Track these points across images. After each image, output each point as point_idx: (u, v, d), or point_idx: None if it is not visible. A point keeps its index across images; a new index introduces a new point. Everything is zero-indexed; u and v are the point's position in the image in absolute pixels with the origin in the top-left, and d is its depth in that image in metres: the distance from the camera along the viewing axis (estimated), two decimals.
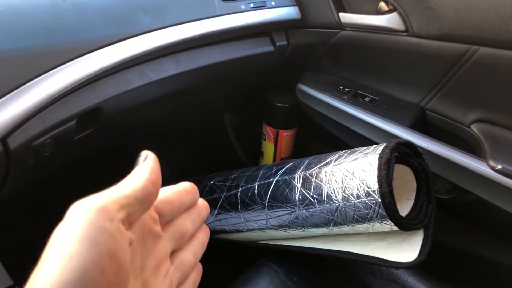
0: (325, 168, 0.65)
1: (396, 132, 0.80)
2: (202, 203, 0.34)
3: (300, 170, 0.68)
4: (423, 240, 0.60)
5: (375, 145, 0.63)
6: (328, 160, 0.66)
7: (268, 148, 1.06)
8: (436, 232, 0.87)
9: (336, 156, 0.66)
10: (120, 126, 0.77)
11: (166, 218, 0.30)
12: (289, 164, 0.72)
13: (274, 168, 0.74)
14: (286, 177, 0.70)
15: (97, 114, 0.65)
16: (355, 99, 0.88)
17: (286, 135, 1.03)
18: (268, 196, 0.70)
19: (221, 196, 0.79)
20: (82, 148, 0.71)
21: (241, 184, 0.77)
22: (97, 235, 0.22)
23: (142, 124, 0.86)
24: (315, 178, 0.65)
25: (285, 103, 1.00)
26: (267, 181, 0.72)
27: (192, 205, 0.33)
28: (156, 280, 0.28)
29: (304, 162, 0.70)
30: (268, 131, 1.03)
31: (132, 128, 0.81)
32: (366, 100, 0.88)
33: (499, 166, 0.70)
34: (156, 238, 0.28)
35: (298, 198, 0.66)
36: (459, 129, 0.82)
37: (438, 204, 0.85)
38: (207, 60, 0.78)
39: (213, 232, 0.82)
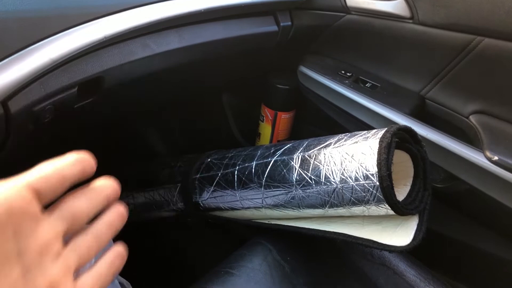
0: (324, 150, 0.65)
1: (395, 119, 0.81)
2: (105, 182, 0.31)
3: (299, 151, 0.68)
4: (418, 225, 0.61)
5: (375, 129, 0.63)
6: (327, 142, 0.66)
7: (266, 129, 1.06)
8: (429, 220, 0.89)
9: (336, 139, 0.66)
10: (120, 98, 0.76)
11: (47, 197, 0.27)
12: (288, 145, 0.72)
13: (273, 148, 0.74)
14: (284, 157, 0.70)
15: (99, 83, 0.64)
16: (356, 84, 0.88)
17: (284, 117, 1.03)
18: (265, 176, 0.71)
19: (218, 174, 0.79)
20: (81, 118, 0.71)
21: (239, 162, 0.77)
22: None
23: (142, 98, 0.85)
24: (314, 160, 0.65)
25: (285, 85, 0.99)
26: (265, 160, 0.72)
27: (83, 177, 0.29)
28: (42, 264, 0.26)
29: (303, 144, 0.70)
30: (267, 112, 1.03)
31: (131, 102, 0.80)
32: (367, 86, 0.88)
33: (496, 157, 0.70)
34: (36, 219, 0.26)
35: (296, 179, 0.66)
36: (458, 119, 0.82)
37: (432, 193, 0.86)
38: (210, 36, 0.77)
39: (208, 209, 0.83)
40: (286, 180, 0.67)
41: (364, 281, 0.73)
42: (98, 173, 0.31)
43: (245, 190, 0.74)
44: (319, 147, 0.66)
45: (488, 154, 0.71)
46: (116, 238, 0.34)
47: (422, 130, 0.78)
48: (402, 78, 0.88)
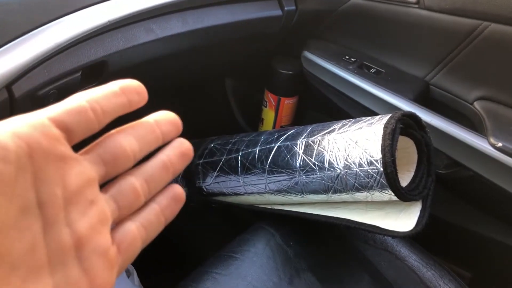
0: (328, 135, 0.65)
1: (399, 104, 0.80)
2: (162, 114, 0.26)
3: (303, 137, 0.68)
4: (421, 211, 0.61)
5: (379, 115, 0.63)
6: (331, 128, 0.66)
7: (269, 115, 1.06)
8: (432, 206, 0.89)
9: (340, 125, 0.66)
10: None
11: (79, 134, 0.22)
12: (292, 131, 0.72)
13: (276, 134, 0.74)
14: (288, 143, 0.70)
15: (102, 67, 0.64)
16: (361, 70, 0.88)
17: (287, 103, 1.02)
18: (269, 161, 0.71)
19: (221, 159, 0.79)
20: None
21: (242, 148, 0.77)
22: None
23: (146, 83, 0.85)
24: (318, 145, 0.65)
25: (289, 70, 0.99)
26: (268, 146, 0.72)
27: (129, 110, 0.24)
28: (68, 216, 0.21)
29: (307, 129, 0.70)
30: (270, 98, 1.03)
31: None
32: (371, 72, 0.87)
33: (500, 144, 0.70)
34: (64, 162, 0.21)
35: (299, 164, 0.66)
36: (462, 105, 0.82)
37: (436, 179, 0.86)
38: (213, 21, 0.77)
39: (211, 194, 0.83)
40: (290, 165, 0.68)
41: (366, 265, 0.74)
42: None
43: (248, 176, 0.74)
44: (323, 133, 0.66)
45: (492, 140, 0.71)
46: None
47: (426, 116, 0.78)
48: (406, 64, 0.87)
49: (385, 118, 0.60)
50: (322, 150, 0.64)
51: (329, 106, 0.95)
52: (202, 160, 0.83)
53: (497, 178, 0.72)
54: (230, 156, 0.78)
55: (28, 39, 0.53)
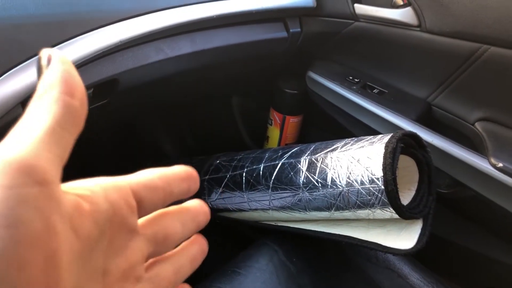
0: (331, 154, 0.66)
1: (401, 124, 0.82)
2: (200, 206, 0.28)
3: (306, 155, 0.70)
4: (422, 229, 0.62)
5: (381, 135, 0.64)
6: (334, 146, 0.68)
7: (274, 133, 1.07)
8: (433, 225, 0.90)
9: (342, 143, 0.67)
10: (133, 100, 0.79)
11: (146, 210, 0.23)
12: (296, 148, 0.74)
13: (280, 151, 0.76)
14: (292, 160, 0.71)
15: (113, 85, 0.66)
16: (364, 90, 0.90)
17: (292, 121, 1.05)
18: (273, 178, 0.72)
19: (226, 175, 0.81)
20: (95, 119, 0.73)
21: (247, 164, 0.79)
22: (14, 210, 0.15)
23: (154, 101, 0.87)
24: (321, 163, 0.66)
25: (293, 89, 1.01)
26: (272, 163, 0.74)
27: (186, 196, 0.25)
28: None
29: (311, 147, 0.71)
30: (275, 116, 1.05)
31: (143, 104, 0.82)
32: (374, 92, 0.89)
33: (500, 164, 0.71)
34: (131, 234, 0.22)
35: (303, 182, 0.68)
36: (463, 126, 0.83)
37: (437, 198, 0.87)
38: (221, 41, 0.79)
39: (216, 210, 0.84)
40: (293, 182, 0.69)
41: (369, 283, 0.75)
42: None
43: (252, 192, 0.75)
44: (325, 151, 0.68)
45: (492, 160, 0.72)
46: None
47: (427, 136, 0.79)
48: (409, 85, 0.89)
49: (387, 137, 0.61)
50: (325, 167, 0.65)
51: (333, 125, 0.97)
52: (207, 176, 0.85)
53: (498, 197, 0.73)
54: (235, 173, 0.80)
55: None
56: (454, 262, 0.89)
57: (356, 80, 0.92)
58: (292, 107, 1.04)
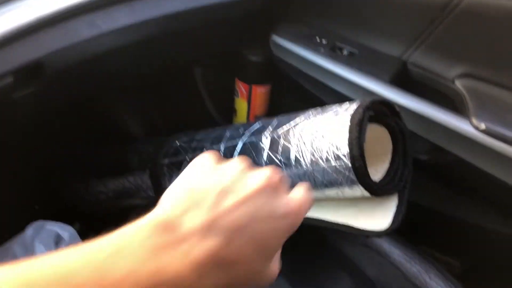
0: (293, 129, 0.59)
1: (375, 88, 0.75)
2: None
3: (268, 131, 0.63)
4: (397, 207, 0.56)
5: (348, 103, 0.57)
6: (297, 119, 0.60)
7: (241, 105, 1.00)
8: (413, 194, 0.84)
9: (305, 115, 0.60)
10: (73, 82, 0.70)
11: None
12: (257, 125, 0.67)
13: (242, 128, 0.68)
14: (253, 139, 0.64)
15: (39, 70, 0.58)
16: (332, 52, 0.82)
17: (260, 91, 0.96)
18: None
19: (186, 158, 0.74)
20: (28, 108, 0.65)
21: (207, 145, 0.71)
22: None
23: (103, 78, 0.78)
24: (283, 140, 0.59)
25: (258, 56, 0.93)
26: (233, 143, 0.67)
27: None
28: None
29: (273, 123, 0.64)
30: (241, 87, 0.97)
31: (85, 86, 0.73)
32: (344, 53, 0.81)
33: (483, 125, 0.65)
34: None
35: (266, 162, 0.61)
36: (442, 84, 0.76)
37: (416, 165, 0.81)
38: (166, 9, 0.70)
39: None
40: (256, 164, 0.62)
41: (346, 264, 0.69)
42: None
43: None
44: (288, 126, 0.60)
45: (474, 121, 0.66)
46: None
47: (403, 99, 0.72)
48: (381, 43, 0.81)
49: (352, 106, 0.54)
50: (288, 145, 0.58)
51: (304, 93, 0.89)
52: (167, 160, 0.77)
53: (481, 161, 0.66)
54: (194, 154, 0.72)
55: None
56: (438, 231, 0.84)
57: (324, 41, 0.83)
58: (258, 76, 0.96)
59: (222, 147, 0.68)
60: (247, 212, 0.30)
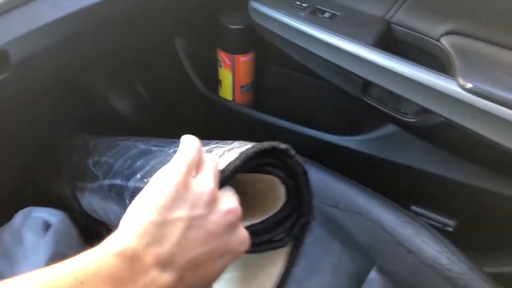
0: None
1: (358, 51, 0.72)
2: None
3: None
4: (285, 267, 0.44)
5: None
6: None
7: (226, 75, 0.97)
8: (405, 156, 0.83)
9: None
10: (44, 67, 0.67)
11: None
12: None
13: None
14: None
15: (3, 60, 0.55)
16: (314, 16, 0.78)
17: (243, 60, 0.93)
18: None
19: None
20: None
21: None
22: None
23: (77, 60, 0.75)
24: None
25: (239, 24, 0.89)
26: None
27: None
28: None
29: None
30: (223, 57, 0.94)
31: (65, 66, 0.70)
32: (325, 17, 0.78)
33: (469, 85, 0.63)
34: None
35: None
36: (428, 43, 0.74)
37: (405, 127, 0.80)
38: None
39: None
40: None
41: (336, 232, 0.69)
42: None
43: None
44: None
45: (461, 81, 0.64)
46: None
47: (388, 62, 0.70)
48: (364, 2, 0.78)
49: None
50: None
51: (288, 60, 0.86)
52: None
53: (469, 122, 0.65)
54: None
55: None
56: (432, 191, 0.84)
57: (304, 5, 0.80)
58: (240, 45, 0.92)
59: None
60: (207, 251, 0.30)
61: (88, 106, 1.04)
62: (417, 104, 0.70)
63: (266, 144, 0.38)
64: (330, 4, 0.80)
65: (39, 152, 0.89)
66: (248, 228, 0.36)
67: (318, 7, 0.79)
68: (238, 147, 0.39)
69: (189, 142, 0.35)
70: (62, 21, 0.60)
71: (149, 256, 0.28)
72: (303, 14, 0.78)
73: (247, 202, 0.38)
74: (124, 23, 0.75)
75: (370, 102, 0.77)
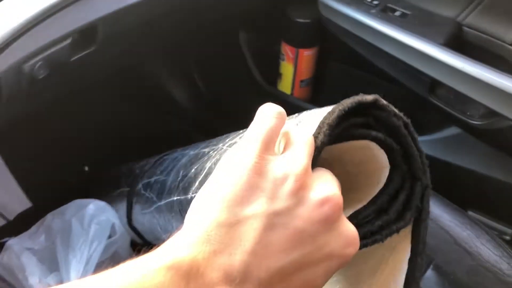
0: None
1: (428, 51, 0.72)
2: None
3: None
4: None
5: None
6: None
7: (287, 69, 0.99)
8: (466, 160, 0.82)
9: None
10: (122, 46, 0.71)
11: None
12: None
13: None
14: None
15: (94, 32, 0.59)
16: (384, 14, 0.79)
17: (306, 54, 0.95)
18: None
19: None
20: (81, 71, 0.66)
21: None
22: None
23: (149, 43, 0.79)
24: None
25: (306, 18, 0.91)
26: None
27: None
28: None
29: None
30: (287, 50, 0.96)
31: (137, 48, 0.74)
32: (396, 15, 0.79)
33: None
34: None
35: None
36: (499, 46, 0.73)
37: (470, 130, 0.79)
38: None
39: None
40: None
41: None
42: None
43: None
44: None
45: None
46: None
47: (458, 62, 0.70)
48: (435, 3, 0.78)
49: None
50: None
51: (353, 56, 0.87)
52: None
53: None
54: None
55: (9, 5, 0.48)
56: (491, 198, 0.82)
57: (375, 2, 0.81)
58: (305, 39, 0.94)
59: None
60: (297, 258, 0.22)
61: (148, 93, 1.09)
62: (485, 106, 0.70)
63: (348, 102, 0.29)
64: (400, 2, 0.80)
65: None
66: (351, 218, 0.29)
67: (389, 5, 0.80)
68: (309, 116, 0.31)
69: (267, 109, 0.26)
70: (150, 2, 0.64)
71: (215, 270, 0.21)
72: (374, 11, 0.79)
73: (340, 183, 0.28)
74: (193, 11, 0.78)
75: (436, 102, 0.77)
